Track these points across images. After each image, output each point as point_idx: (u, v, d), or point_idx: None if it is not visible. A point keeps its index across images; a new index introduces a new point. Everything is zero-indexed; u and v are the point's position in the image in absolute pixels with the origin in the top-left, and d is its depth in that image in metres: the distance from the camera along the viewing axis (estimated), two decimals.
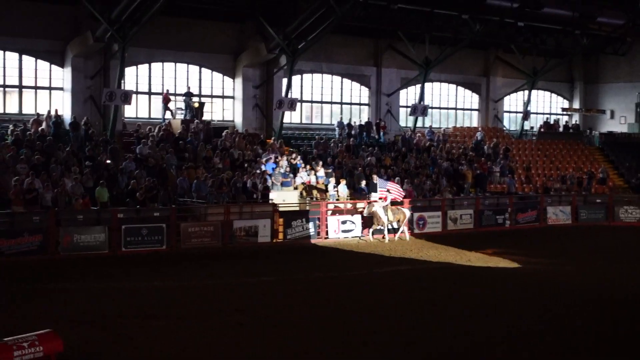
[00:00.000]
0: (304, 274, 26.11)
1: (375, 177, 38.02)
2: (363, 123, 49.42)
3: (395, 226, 35.21)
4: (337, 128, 48.46)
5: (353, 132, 47.99)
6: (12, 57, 38.88)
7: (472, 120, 57.76)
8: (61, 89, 40.00)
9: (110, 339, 17.29)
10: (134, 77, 42.37)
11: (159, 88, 43.25)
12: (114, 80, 39.13)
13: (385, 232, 34.60)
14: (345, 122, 48.83)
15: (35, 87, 39.74)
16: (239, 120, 45.55)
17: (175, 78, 43.85)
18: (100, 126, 39.68)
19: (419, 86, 51.73)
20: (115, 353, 16.08)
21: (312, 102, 49.72)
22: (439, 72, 52.93)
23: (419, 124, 52.61)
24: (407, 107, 52.77)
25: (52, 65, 39.83)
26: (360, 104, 51.57)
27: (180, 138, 39.73)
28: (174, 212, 31.73)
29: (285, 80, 45.16)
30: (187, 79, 44.21)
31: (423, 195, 41.02)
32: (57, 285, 23.56)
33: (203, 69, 44.86)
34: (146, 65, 42.91)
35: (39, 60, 39.54)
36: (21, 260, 27.36)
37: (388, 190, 35.13)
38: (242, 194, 35.72)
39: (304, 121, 49.43)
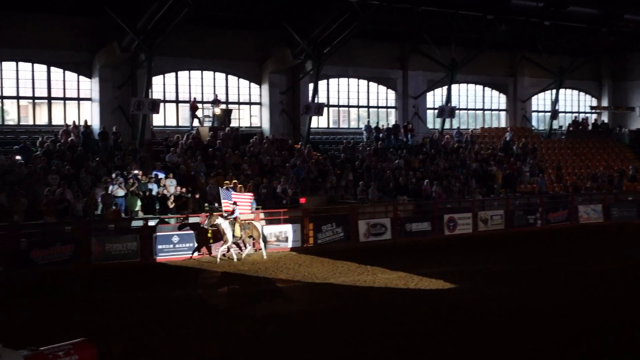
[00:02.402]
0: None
1: (220, 189, 32.92)
2: (390, 126, 49.33)
3: (248, 244, 31.10)
4: (364, 132, 48.39)
5: (381, 135, 47.92)
6: (41, 69, 39.19)
7: (500, 120, 57.45)
8: (89, 99, 40.27)
9: (140, 348, 17.36)
10: (161, 86, 42.56)
11: (186, 96, 43.42)
12: (142, 89, 39.34)
13: (231, 249, 30.46)
14: (373, 125, 48.77)
15: (64, 98, 40.02)
16: (266, 126, 45.63)
17: (202, 86, 43.98)
18: (129, 135, 39.91)
19: (445, 88, 51.54)
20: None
21: (339, 106, 49.69)
22: (466, 73, 52.71)
23: (447, 125, 52.41)
24: (434, 109, 52.60)
25: (80, 76, 40.11)
26: (387, 107, 51.49)
27: (208, 145, 39.87)
28: (204, 220, 31.75)
29: (311, 85, 45.19)
30: (214, 86, 44.33)
31: (452, 197, 40.87)
32: (90, 295, 23.69)
33: (230, 76, 44.96)
34: (173, 74, 43.09)
35: (67, 72, 39.81)
36: (54, 270, 27.54)
37: (235, 203, 31.03)
38: (272, 200, 35.78)
39: (331, 125, 49.39)
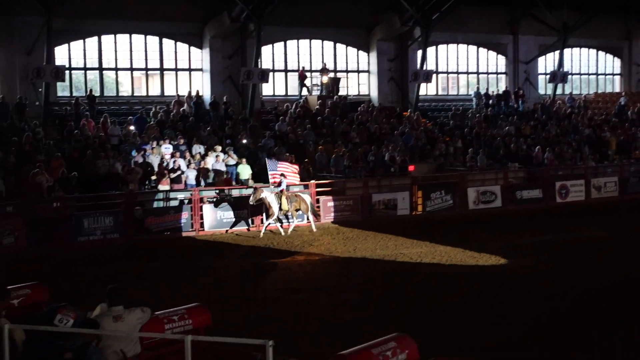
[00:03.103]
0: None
1: (266, 158, 32.21)
2: (500, 92, 48.58)
3: (295, 217, 29.94)
4: (474, 98, 47.79)
5: (490, 101, 47.26)
6: (153, 40, 39.96)
7: (615, 85, 55.88)
8: (200, 70, 40.90)
9: (254, 313, 17.71)
10: (270, 55, 42.87)
11: (295, 65, 43.62)
12: (251, 59, 39.73)
13: (278, 224, 29.29)
14: (482, 91, 48.11)
15: (176, 69, 40.77)
16: (374, 94, 45.53)
17: (310, 55, 44.10)
18: (239, 105, 40.43)
19: (557, 52, 50.35)
20: (258, 327, 16.45)
21: (447, 73, 49.15)
22: (578, 37, 51.24)
23: (559, 91, 51.25)
24: (545, 74, 51.52)
25: (191, 47, 40.75)
26: (497, 73, 50.66)
27: (317, 114, 40.08)
28: (314, 187, 32.05)
29: (420, 52, 44.81)
30: (322, 55, 44.41)
31: (564, 164, 40.07)
32: (203, 262, 24.22)
33: (338, 44, 44.95)
34: (282, 43, 43.33)
35: (178, 43, 40.51)
36: (167, 237, 28.26)
37: (282, 174, 29.89)
38: (380, 168, 35.80)
39: (440, 92, 48.92)
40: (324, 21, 43.30)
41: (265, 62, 41.94)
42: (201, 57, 40.84)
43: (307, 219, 29.91)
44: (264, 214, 29.16)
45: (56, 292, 14.32)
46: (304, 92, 42.92)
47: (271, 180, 30.15)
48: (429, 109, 46.50)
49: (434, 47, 47.43)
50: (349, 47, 45.28)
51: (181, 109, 37.92)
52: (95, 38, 38.54)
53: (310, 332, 15.96)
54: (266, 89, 42.53)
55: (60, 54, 37.35)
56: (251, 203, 28.89)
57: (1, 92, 35.40)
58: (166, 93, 40.24)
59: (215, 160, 32.67)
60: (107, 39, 38.84)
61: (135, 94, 39.98)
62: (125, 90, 39.99)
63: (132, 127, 35.06)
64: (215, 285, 20.84)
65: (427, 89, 47.07)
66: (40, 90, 35.33)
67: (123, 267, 23.54)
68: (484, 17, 48.51)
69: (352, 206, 32.18)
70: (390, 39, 45.33)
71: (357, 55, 45.61)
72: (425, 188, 34.06)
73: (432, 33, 44.04)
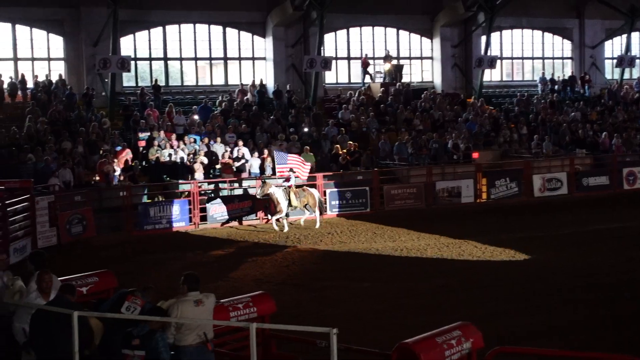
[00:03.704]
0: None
1: (274, 150, 31.02)
2: (566, 77, 47.89)
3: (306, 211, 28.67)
4: (539, 84, 47.20)
5: (556, 87, 46.63)
6: (217, 30, 40.25)
7: None
8: (264, 58, 41.09)
9: (316, 300, 17.82)
10: (333, 43, 42.86)
11: (357, 53, 43.54)
12: (314, 47, 39.79)
13: (284, 220, 27.88)
14: (548, 77, 47.48)
15: (239, 58, 41.02)
16: (438, 80, 45.25)
17: (373, 42, 43.99)
18: (302, 93, 40.55)
19: (624, 36, 49.45)
20: (319, 313, 16.54)
21: (512, 58, 48.59)
22: None
23: (626, 75, 50.31)
24: (612, 58, 50.62)
25: (255, 36, 40.95)
26: (562, 58, 49.94)
27: (380, 101, 40.00)
28: (377, 175, 32.02)
29: (484, 38, 44.36)
30: (385, 42, 44.24)
31: (632, 150, 39.38)
32: (264, 250, 24.40)
33: (401, 31, 44.73)
34: (345, 31, 43.29)
35: (241, 32, 40.73)
36: (233, 225, 28.50)
37: (291, 169, 28.41)
38: (444, 155, 35.62)
39: (504, 78, 48.39)
40: (386, 8, 43.10)
41: (328, 50, 41.93)
42: (264, 45, 41.02)
43: (316, 213, 28.34)
44: (267, 209, 28.52)
45: (124, 279, 14.59)
46: (367, 79, 42.86)
47: (278, 174, 28.99)
48: (494, 95, 46.07)
49: (498, 33, 46.92)
50: (412, 34, 45.04)
51: (245, 98, 38.16)
52: (160, 28, 39.00)
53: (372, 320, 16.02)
54: (329, 77, 42.56)
55: (126, 45, 37.86)
56: (258, 197, 28.10)
57: (69, 83, 36.04)
58: (230, 82, 40.52)
59: (279, 149, 32.80)
60: (171, 29, 39.27)
61: (199, 84, 40.34)
62: (189, 80, 40.35)
63: (196, 117, 35.39)
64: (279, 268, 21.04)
65: (491, 75, 46.63)
66: (106, 80, 35.86)
67: (188, 255, 23.87)
68: (549, 1, 47.82)
69: (416, 194, 32.06)
70: (454, 24, 44.97)
71: (420, 41, 45.35)
72: (490, 175, 33.79)
73: (496, 18, 43.56)
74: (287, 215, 28.01)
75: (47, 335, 9.97)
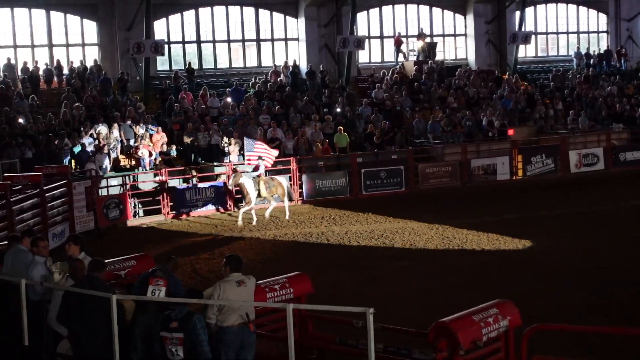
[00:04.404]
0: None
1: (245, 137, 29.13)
2: (602, 52, 47.36)
3: (273, 202, 26.85)
4: (574, 59, 46.71)
5: (591, 61, 46.15)
6: (249, 11, 40.22)
7: None
8: (296, 39, 41.03)
9: (355, 279, 17.87)
10: (365, 22, 42.69)
11: (390, 31, 43.35)
12: (347, 26, 39.64)
13: (252, 211, 26.17)
14: (583, 51, 46.98)
15: (272, 40, 40.99)
16: (472, 57, 44.94)
17: (406, 20, 43.75)
18: (336, 73, 40.45)
19: None
20: (359, 292, 16.59)
21: (547, 33, 48.09)
22: None
23: None
24: None
25: (287, 17, 40.89)
26: (598, 32, 49.34)
27: (414, 80, 39.84)
28: (411, 154, 31.97)
29: (518, 13, 43.96)
30: (418, 19, 43.98)
31: None
32: (303, 230, 24.42)
33: (434, 8, 44.43)
34: (377, 9, 43.08)
35: (274, 13, 40.68)
36: (268, 206, 28.56)
37: (259, 157, 26.70)
38: (478, 132, 35.45)
39: (539, 54, 47.93)
40: None
41: (361, 29, 41.81)
42: (297, 26, 40.96)
43: (285, 202, 26.82)
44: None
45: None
46: (400, 58, 42.68)
47: (246, 162, 27.40)
48: (528, 71, 45.70)
49: (532, 8, 46.45)
50: (445, 11, 44.74)
51: (278, 79, 38.17)
52: (193, 11, 39.05)
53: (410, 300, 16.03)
54: (362, 56, 42.42)
55: (159, 28, 37.98)
56: (230, 187, 26.91)
57: (103, 68, 36.23)
58: (263, 64, 40.52)
59: (313, 130, 32.85)
60: (204, 12, 39.29)
61: (233, 66, 40.38)
62: (222, 62, 40.39)
63: (229, 99, 35.48)
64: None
65: (526, 51, 46.20)
66: (140, 65, 36.00)
67: (224, 236, 24.03)
68: None
69: (451, 172, 31.95)
70: (487, 0, 44.62)
71: (454, 18, 45.05)
72: (526, 152, 33.58)
73: None
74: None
75: (79, 316, 10.14)
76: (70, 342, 10.42)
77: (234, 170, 26.32)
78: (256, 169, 26.52)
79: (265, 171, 27.18)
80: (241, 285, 10.17)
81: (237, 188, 26.35)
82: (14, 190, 22.29)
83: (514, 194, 29.54)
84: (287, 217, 26.36)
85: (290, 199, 27.47)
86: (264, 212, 26.63)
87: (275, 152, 28.07)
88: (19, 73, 35.04)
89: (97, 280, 10.34)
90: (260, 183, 25.91)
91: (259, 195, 25.86)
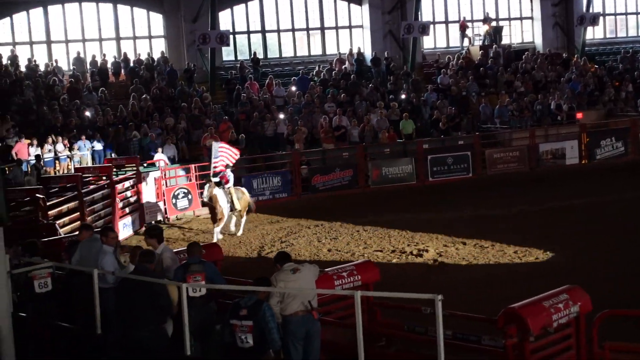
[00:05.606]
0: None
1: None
2: None
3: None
4: None
5: None
6: (313, 0, 40.28)
7: None
8: (361, 26, 40.95)
9: (423, 267, 17.84)
10: (430, 7, 42.37)
11: (455, 16, 42.99)
12: (411, 12, 39.43)
13: (226, 225, 23.55)
14: None
15: (336, 27, 40.98)
16: (538, 41, 44.33)
17: (471, 4, 43.33)
18: (401, 60, 40.30)
19: None
20: (426, 279, 16.57)
21: (615, 14, 47.20)
22: None
23: None
24: None
25: (351, 4, 40.83)
26: None
27: (480, 64, 39.49)
28: (478, 139, 31.73)
29: None
30: (484, 3, 43.51)
31: None
32: (369, 218, 24.44)
33: None
34: None
35: (338, 1, 40.66)
36: (335, 194, 28.64)
37: (227, 166, 23.81)
38: (546, 117, 35.03)
39: (608, 36, 47.12)
40: None
41: (426, 15, 41.52)
42: (361, 13, 40.88)
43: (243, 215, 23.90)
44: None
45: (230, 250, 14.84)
46: (466, 42, 42.33)
47: (212, 170, 23.80)
48: (597, 53, 44.92)
49: None
50: None
51: (343, 67, 38.17)
52: (257, 1, 39.23)
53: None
54: (427, 42, 42.16)
55: (224, 19, 38.24)
56: (204, 200, 23.26)
57: (170, 59, 36.62)
58: (328, 52, 40.55)
59: (379, 117, 32.82)
60: (268, 2, 39.44)
61: (297, 54, 40.48)
62: (287, 52, 40.50)
63: (294, 88, 35.60)
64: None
65: (594, 33, 45.42)
66: (206, 56, 36.29)
67: (293, 225, 24.16)
68: None
69: (519, 157, 31.64)
70: None
71: (520, 1, 44.47)
72: (595, 135, 33.07)
73: None
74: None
75: (130, 305, 10.37)
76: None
77: (209, 183, 23.04)
78: (226, 180, 23.59)
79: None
80: (296, 272, 10.24)
81: (207, 201, 22.97)
82: (84, 182, 22.75)
83: (584, 178, 29.08)
84: (240, 232, 23.43)
85: (250, 211, 24.36)
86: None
87: (237, 151, 24.95)
88: (88, 66, 35.61)
89: (146, 271, 10.61)
90: (232, 195, 23.25)
91: (232, 208, 23.22)
